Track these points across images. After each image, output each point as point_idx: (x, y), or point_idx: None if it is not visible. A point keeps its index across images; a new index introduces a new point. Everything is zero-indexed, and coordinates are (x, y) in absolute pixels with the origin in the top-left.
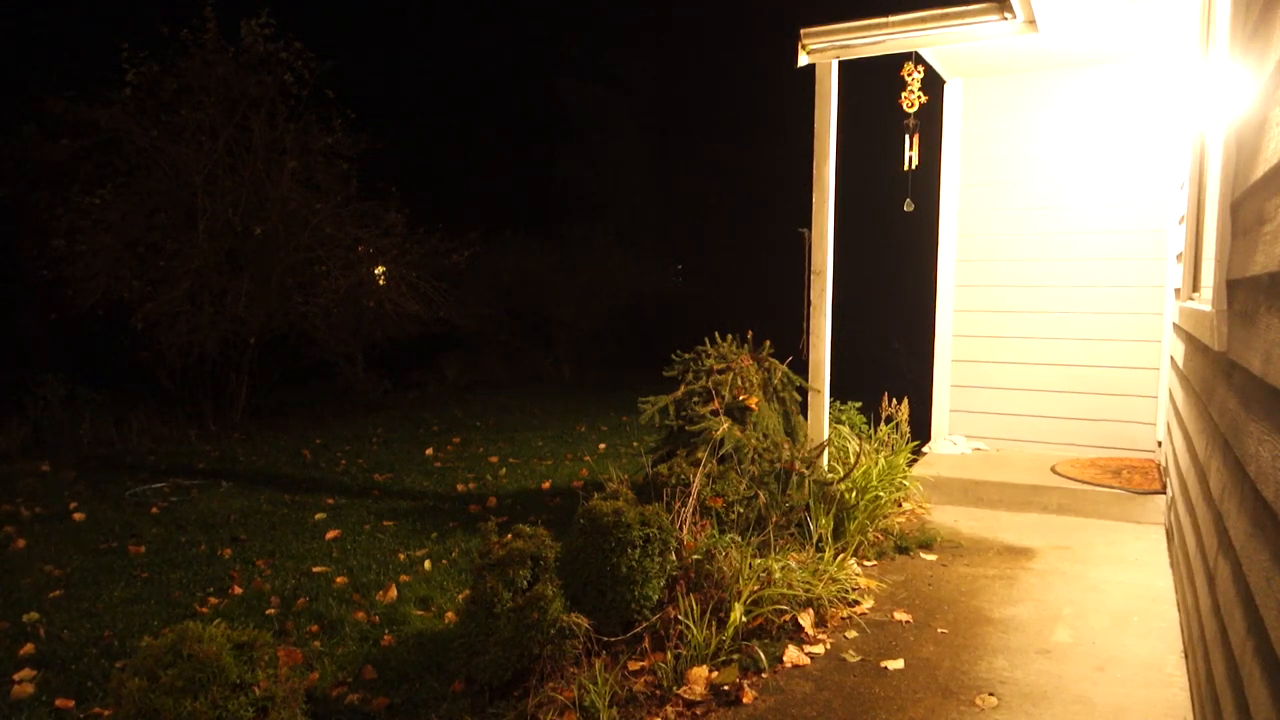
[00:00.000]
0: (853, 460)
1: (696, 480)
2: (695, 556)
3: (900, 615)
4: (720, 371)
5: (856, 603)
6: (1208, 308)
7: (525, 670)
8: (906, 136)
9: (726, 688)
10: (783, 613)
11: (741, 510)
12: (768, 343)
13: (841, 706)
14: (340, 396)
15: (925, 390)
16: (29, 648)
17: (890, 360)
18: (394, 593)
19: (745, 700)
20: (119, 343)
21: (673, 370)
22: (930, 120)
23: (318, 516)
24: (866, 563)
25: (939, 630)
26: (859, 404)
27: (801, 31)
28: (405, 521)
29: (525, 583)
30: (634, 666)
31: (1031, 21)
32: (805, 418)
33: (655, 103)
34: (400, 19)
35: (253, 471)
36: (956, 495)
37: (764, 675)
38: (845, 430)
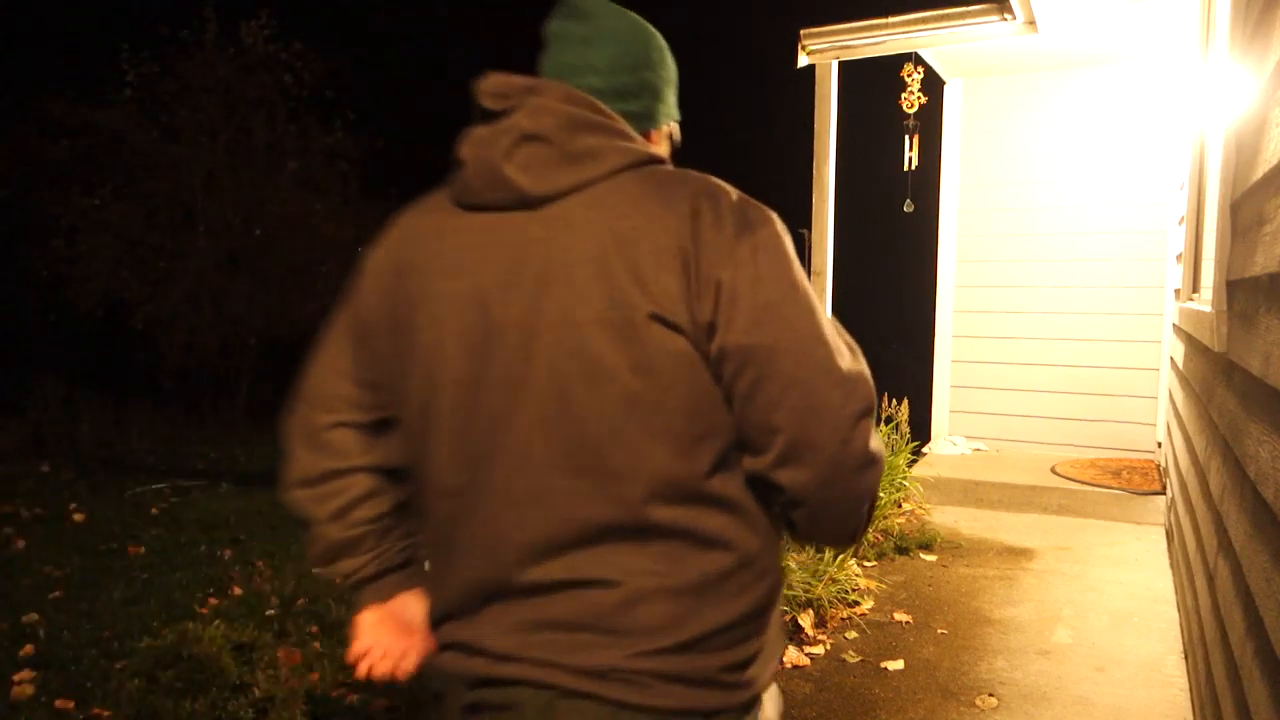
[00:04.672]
0: None
1: None
2: None
3: (900, 616)
4: None
5: (856, 603)
6: (1208, 309)
7: None
8: (906, 137)
9: None
10: (782, 613)
11: None
12: None
13: (841, 707)
14: None
15: (925, 390)
16: (29, 648)
17: (890, 360)
18: None
19: None
20: (119, 343)
21: None
22: (930, 120)
23: None
24: (866, 563)
25: (939, 631)
26: None
27: (801, 32)
28: None
29: None
30: None
31: (1031, 22)
32: None
33: None
34: (400, 19)
35: (252, 472)
36: (956, 496)
37: None
38: None
